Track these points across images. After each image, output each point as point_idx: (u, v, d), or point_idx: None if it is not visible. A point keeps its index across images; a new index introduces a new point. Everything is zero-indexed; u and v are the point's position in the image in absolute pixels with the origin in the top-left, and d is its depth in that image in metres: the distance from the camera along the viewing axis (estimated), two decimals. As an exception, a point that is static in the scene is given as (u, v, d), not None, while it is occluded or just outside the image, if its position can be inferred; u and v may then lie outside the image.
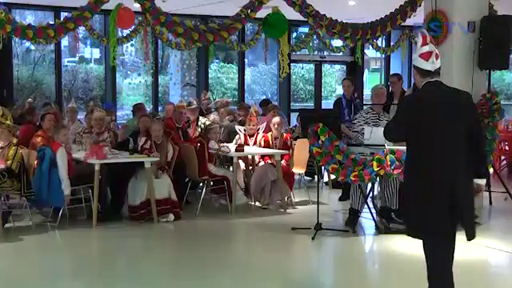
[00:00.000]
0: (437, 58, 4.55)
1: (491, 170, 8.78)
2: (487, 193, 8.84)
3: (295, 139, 9.39)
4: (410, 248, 6.67)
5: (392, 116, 6.41)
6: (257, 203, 8.75)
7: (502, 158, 12.07)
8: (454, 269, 6.00)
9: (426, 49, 4.56)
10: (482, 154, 4.61)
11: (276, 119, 9.14)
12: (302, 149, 8.88)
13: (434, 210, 4.34)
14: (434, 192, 4.33)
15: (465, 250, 6.66)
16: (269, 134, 9.06)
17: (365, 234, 7.46)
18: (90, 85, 17.22)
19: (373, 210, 7.61)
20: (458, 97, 4.71)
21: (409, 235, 4.56)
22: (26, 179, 7.24)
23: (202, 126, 9.60)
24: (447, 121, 4.42)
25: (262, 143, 9.00)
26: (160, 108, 15.12)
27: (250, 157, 9.12)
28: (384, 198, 7.53)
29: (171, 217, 7.85)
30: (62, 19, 8.77)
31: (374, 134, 7.38)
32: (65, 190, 7.42)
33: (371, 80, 19.86)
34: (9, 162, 7.16)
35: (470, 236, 4.43)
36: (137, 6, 8.34)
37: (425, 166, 4.37)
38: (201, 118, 10.07)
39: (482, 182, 4.53)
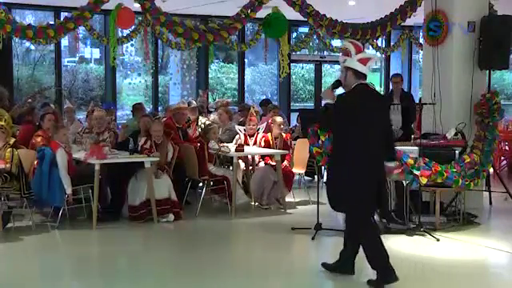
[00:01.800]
0: (371, 64, 5.40)
1: (491, 170, 8.81)
2: (487, 193, 8.85)
3: (295, 139, 9.40)
4: (409, 248, 6.69)
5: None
6: (257, 203, 8.75)
7: (502, 158, 12.07)
8: (453, 269, 6.04)
9: (365, 55, 5.40)
10: (392, 143, 5.70)
11: (280, 119, 9.15)
12: (301, 149, 8.88)
13: (367, 195, 5.29)
14: (366, 180, 5.26)
15: (465, 250, 6.68)
16: (269, 134, 9.06)
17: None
18: (89, 85, 17.21)
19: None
20: (382, 99, 5.75)
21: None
22: (24, 179, 7.24)
23: (203, 125, 9.60)
24: (375, 119, 5.34)
25: (263, 143, 8.99)
26: (160, 108, 15.12)
27: (249, 157, 9.12)
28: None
29: (171, 217, 7.85)
30: (62, 19, 8.77)
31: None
32: (66, 190, 7.43)
33: (371, 80, 19.82)
34: (8, 166, 7.16)
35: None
36: (137, 6, 8.35)
37: (359, 156, 5.24)
38: (201, 117, 10.07)
39: (392, 164, 5.80)
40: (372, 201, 5.35)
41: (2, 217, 7.18)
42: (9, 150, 7.26)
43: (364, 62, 5.36)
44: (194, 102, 10.24)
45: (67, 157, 7.58)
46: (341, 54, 5.58)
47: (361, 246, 5.50)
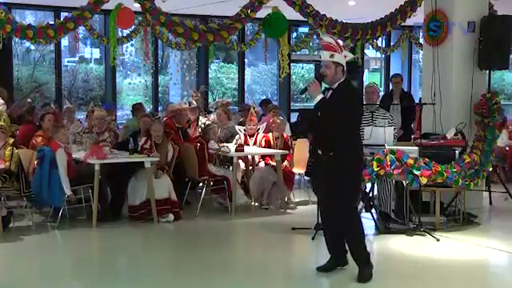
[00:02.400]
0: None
1: (491, 170, 8.80)
2: (487, 193, 8.84)
3: (295, 139, 9.39)
4: (409, 248, 6.69)
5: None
6: (257, 203, 8.75)
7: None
8: (453, 269, 6.04)
9: (347, 53, 5.72)
10: None
11: (281, 119, 9.14)
12: (301, 149, 8.87)
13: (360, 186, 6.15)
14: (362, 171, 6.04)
15: (465, 250, 6.68)
16: (269, 134, 9.06)
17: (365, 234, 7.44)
18: (89, 85, 17.21)
19: (372, 210, 7.61)
20: None
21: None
22: (24, 179, 7.24)
23: (202, 125, 9.60)
24: None
25: (263, 143, 8.99)
26: (160, 108, 15.12)
27: (249, 157, 9.11)
28: (380, 202, 7.54)
29: (171, 217, 7.85)
30: (62, 19, 8.77)
31: (374, 134, 7.38)
32: (66, 191, 7.42)
33: (371, 80, 19.83)
34: (7, 164, 7.16)
35: None
36: (137, 6, 8.35)
37: (359, 148, 5.67)
38: (201, 117, 10.08)
39: None
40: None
41: (3, 218, 7.17)
42: (9, 148, 7.27)
43: (345, 59, 5.67)
44: (195, 102, 10.25)
45: (67, 157, 7.58)
46: (323, 48, 5.69)
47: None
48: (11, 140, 7.47)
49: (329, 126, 5.47)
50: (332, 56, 5.53)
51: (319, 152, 5.58)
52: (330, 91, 5.61)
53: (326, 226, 5.82)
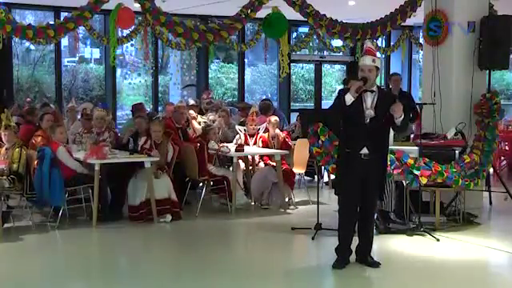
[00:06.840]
0: None
1: (491, 170, 8.80)
2: (487, 193, 8.84)
3: (295, 139, 9.39)
4: (409, 248, 6.68)
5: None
6: (257, 203, 8.75)
7: (502, 158, 12.06)
8: (453, 269, 6.05)
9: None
10: None
11: (274, 118, 9.13)
12: (302, 149, 8.87)
13: None
14: None
15: (465, 250, 6.68)
16: (266, 134, 9.05)
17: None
18: (89, 85, 17.21)
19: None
20: None
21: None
22: (28, 180, 7.25)
23: (203, 124, 9.60)
24: None
25: (261, 144, 8.99)
26: (160, 108, 15.13)
27: (249, 157, 9.11)
28: (380, 202, 7.53)
29: (168, 217, 7.83)
30: (62, 19, 8.76)
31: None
32: (82, 170, 7.62)
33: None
34: (15, 166, 7.16)
35: None
36: (137, 6, 8.35)
37: None
38: (202, 117, 10.08)
39: None
40: None
41: (2, 215, 7.16)
42: (17, 150, 7.27)
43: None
44: (192, 101, 10.27)
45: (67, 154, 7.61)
46: (366, 53, 5.87)
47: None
48: (19, 141, 7.48)
49: (386, 127, 5.87)
50: (374, 61, 5.80)
51: (365, 151, 5.74)
52: (373, 93, 5.77)
53: (359, 223, 6.01)
